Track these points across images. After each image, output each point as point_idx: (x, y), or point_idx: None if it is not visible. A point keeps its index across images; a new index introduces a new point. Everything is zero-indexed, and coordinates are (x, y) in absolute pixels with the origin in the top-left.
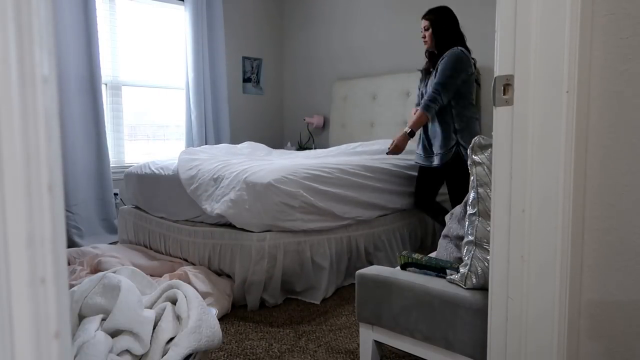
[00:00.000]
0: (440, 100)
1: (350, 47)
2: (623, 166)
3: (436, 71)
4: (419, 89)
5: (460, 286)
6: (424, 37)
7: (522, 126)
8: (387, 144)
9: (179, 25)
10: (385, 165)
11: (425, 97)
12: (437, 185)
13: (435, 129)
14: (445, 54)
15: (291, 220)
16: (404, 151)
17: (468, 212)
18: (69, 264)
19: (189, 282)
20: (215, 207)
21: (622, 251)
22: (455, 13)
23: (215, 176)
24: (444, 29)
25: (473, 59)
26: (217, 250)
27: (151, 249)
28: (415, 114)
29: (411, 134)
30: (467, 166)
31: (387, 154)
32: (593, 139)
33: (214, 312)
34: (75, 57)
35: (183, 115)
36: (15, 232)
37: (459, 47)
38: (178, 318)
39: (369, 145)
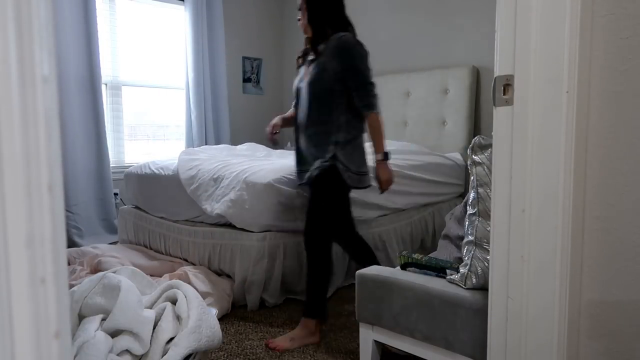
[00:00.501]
0: (375, 92)
1: None
2: (623, 166)
3: (325, 63)
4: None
5: (460, 286)
6: (299, 19)
7: (522, 126)
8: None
9: (179, 25)
10: None
11: (365, 100)
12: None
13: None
14: (334, 43)
15: (291, 220)
16: (400, 150)
17: (468, 212)
18: (69, 264)
19: (189, 282)
20: (215, 207)
21: (622, 251)
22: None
23: (215, 176)
24: (320, 9)
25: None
26: (217, 250)
27: (151, 249)
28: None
29: (386, 156)
30: (340, 189)
31: (381, 193)
32: (593, 139)
33: (214, 312)
34: (75, 57)
35: (183, 115)
36: (15, 232)
37: (348, 33)
38: (178, 318)
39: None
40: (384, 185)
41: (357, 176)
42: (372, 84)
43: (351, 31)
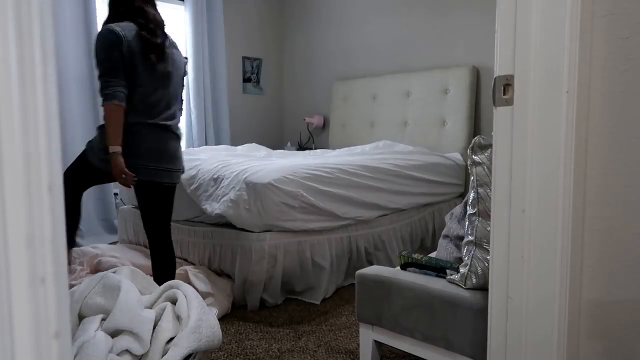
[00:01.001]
0: (113, 83)
1: (350, 47)
2: (623, 166)
3: None
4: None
5: (460, 286)
6: None
7: (522, 126)
8: (389, 146)
9: (179, 25)
10: (385, 165)
11: (100, 92)
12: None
13: None
14: None
15: (291, 220)
16: (402, 151)
17: (468, 212)
18: (69, 264)
19: (189, 282)
20: (215, 207)
21: (622, 251)
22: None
23: (215, 176)
24: (110, 6)
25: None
26: (217, 250)
27: None
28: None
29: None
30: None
31: (123, 184)
32: (593, 139)
33: (214, 312)
34: (75, 57)
35: (183, 115)
36: (15, 232)
37: (110, 24)
38: (178, 318)
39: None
40: (117, 178)
41: (100, 158)
42: (103, 75)
43: (139, 22)
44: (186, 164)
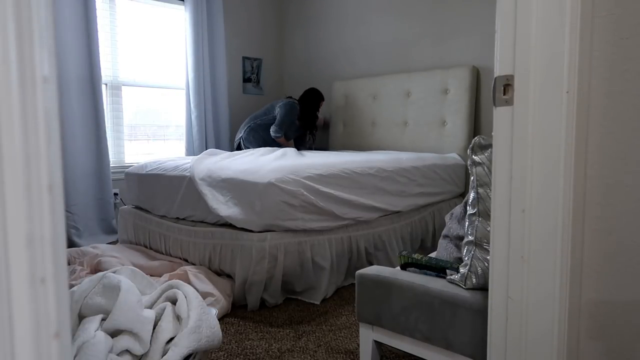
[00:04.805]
0: None
1: (351, 47)
2: (623, 166)
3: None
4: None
5: (460, 286)
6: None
7: (522, 126)
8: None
9: (179, 25)
10: (385, 165)
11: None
12: None
13: None
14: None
15: (292, 219)
16: (400, 151)
17: (468, 212)
18: (69, 264)
19: (189, 282)
20: (216, 207)
21: (622, 251)
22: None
23: (216, 176)
24: None
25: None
26: (217, 250)
27: (151, 249)
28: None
29: None
30: None
31: None
32: (593, 139)
33: (214, 312)
34: (75, 57)
35: (183, 115)
36: (15, 232)
37: None
38: (178, 318)
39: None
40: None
41: None
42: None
43: None
44: (198, 163)
